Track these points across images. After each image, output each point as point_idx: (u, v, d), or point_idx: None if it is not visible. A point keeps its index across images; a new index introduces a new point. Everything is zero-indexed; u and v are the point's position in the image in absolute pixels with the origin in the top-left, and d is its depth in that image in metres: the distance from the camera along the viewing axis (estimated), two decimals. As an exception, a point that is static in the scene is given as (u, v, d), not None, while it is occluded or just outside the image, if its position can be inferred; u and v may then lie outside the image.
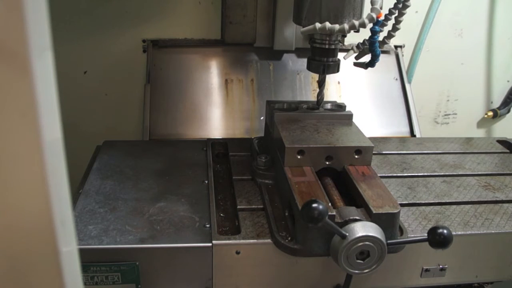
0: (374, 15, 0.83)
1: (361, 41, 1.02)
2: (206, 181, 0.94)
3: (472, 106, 1.50)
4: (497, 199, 0.94)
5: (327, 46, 0.91)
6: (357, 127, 0.96)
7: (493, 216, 0.87)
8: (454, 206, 0.90)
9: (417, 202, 0.91)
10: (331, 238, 0.72)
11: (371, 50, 0.97)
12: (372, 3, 0.84)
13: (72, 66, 1.25)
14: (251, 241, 0.77)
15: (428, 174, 1.03)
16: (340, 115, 0.99)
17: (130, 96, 1.30)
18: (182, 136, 1.27)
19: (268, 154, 0.96)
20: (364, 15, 0.86)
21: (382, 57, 1.01)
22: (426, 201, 0.92)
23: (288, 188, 0.81)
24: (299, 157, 0.86)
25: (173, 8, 1.26)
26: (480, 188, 0.97)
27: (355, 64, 1.03)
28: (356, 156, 0.87)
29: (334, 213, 0.72)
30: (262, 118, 1.30)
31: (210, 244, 0.76)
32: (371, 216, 0.73)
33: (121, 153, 1.04)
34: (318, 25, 0.85)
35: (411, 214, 0.87)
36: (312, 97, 1.31)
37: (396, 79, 1.37)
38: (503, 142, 1.21)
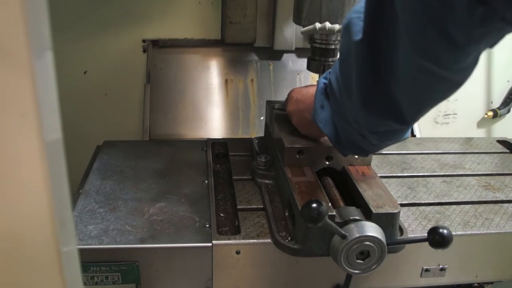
0: (374, 15, 0.83)
1: (361, 41, 1.02)
2: (206, 181, 0.94)
3: (472, 106, 1.50)
4: (497, 199, 0.94)
5: (327, 46, 0.91)
6: (357, 127, 0.96)
7: (493, 216, 0.87)
8: (454, 206, 0.90)
9: (417, 202, 0.91)
10: (331, 238, 0.72)
11: (371, 50, 0.97)
12: (372, 3, 0.84)
13: (72, 66, 1.25)
14: (251, 241, 0.77)
15: (428, 174, 1.03)
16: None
17: (130, 96, 1.30)
18: (182, 136, 1.27)
19: (268, 154, 0.96)
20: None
21: (382, 57, 1.00)
22: (426, 201, 0.92)
23: (288, 188, 0.81)
24: (299, 157, 0.86)
25: (173, 8, 1.26)
26: (480, 188, 0.97)
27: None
28: (356, 156, 0.87)
29: (334, 213, 0.72)
30: (262, 118, 1.30)
31: (210, 244, 0.76)
32: (371, 216, 0.73)
33: (121, 153, 1.04)
34: (318, 25, 0.85)
35: (411, 214, 0.87)
36: (312, 97, 1.30)
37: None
38: (503, 142, 1.21)
